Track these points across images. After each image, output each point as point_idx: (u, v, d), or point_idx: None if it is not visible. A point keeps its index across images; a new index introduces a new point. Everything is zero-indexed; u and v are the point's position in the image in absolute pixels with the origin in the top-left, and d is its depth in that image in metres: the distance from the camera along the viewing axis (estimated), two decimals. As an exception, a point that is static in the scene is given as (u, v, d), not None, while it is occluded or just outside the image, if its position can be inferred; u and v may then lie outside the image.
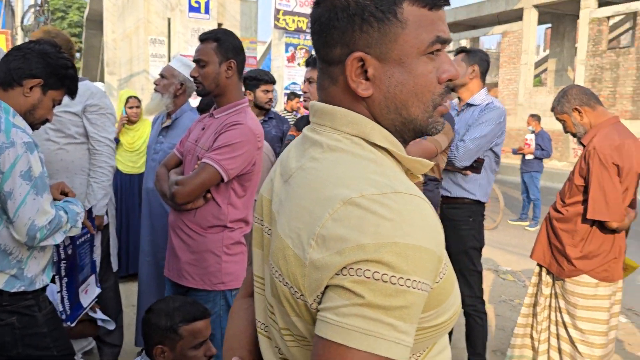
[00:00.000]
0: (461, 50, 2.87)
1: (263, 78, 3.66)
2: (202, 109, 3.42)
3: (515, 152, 8.64)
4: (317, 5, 0.82)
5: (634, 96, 15.08)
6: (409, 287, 0.68)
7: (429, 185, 2.47)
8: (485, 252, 6.49)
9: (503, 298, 4.82)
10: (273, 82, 3.75)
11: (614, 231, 2.59)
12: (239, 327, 1.00)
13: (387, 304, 0.67)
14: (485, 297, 4.84)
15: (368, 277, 0.67)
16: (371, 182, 0.73)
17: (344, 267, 0.69)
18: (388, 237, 0.68)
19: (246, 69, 4.29)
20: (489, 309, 4.53)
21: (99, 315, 2.50)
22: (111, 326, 2.54)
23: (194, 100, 4.64)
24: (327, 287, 0.71)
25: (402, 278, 0.68)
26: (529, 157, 8.35)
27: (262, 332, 0.92)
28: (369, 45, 0.79)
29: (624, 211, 2.54)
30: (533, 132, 8.40)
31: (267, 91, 3.68)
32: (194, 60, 2.22)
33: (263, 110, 3.75)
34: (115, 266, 3.01)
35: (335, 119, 0.82)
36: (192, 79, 2.28)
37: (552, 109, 2.85)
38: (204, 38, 2.19)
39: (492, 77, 35.34)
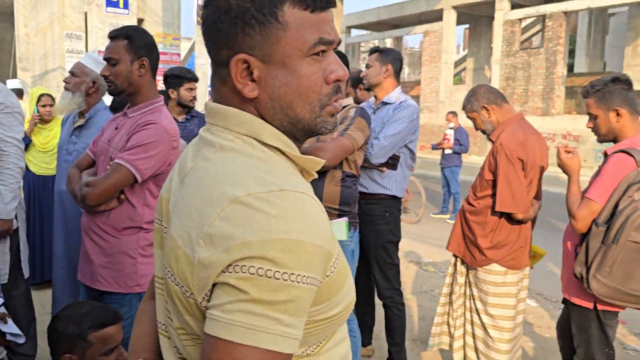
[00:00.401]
0: (374, 50, 2.95)
1: (186, 76, 3.63)
2: (115, 107, 3.32)
3: (435, 147, 8.98)
4: (204, 7, 0.83)
5: (543, 94, 16.06)
6: (293, 281, 0.70)
7: (347, 181, 2.53)
8: (408, 245, 6.75)
9: (424, 289, 5.01)
10: (196, 79, 3.72)
11: (520, 222, 2.74)
12: (142, 329, 1.00)
13: (272, 299, 0.70)
14: (408, 288, 5.03)
15: (252, 274, 0.69)
16: (259, 180, 0.75)
17: (230, 265, 0.70)
18: (273, 233, 0.70)
19: (170, 67, 4.20)
20: (412, 300, 4.70)
21: (8, 328, 2.37)
22: (21, 340, 2.41)
23: (107, 99, 4.50)
24: (214, 285, 0.73)
25: (286, 273, 0.70)
26: (448, 152, 8.71)
27: (162, 332, 0.92)
28: (252, 48, 0.80)
29: (528, 203, 2.70)
30: (452, 128, 8.77)
31: (191, 89, 3.65)
32: (105, 59, 2.16)
33: (186, 108, 3.71)
34: (26, 272, 2.86)
35: (227, 119, 0.84)
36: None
37: (463, 108, 2.99)
38: (114, 36, 2.13)
39: (415, 75, 36.40)
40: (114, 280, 2.10)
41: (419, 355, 3.56)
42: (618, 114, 2.42)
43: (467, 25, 23.57)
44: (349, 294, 0.85)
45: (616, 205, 2.25)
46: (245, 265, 0.70)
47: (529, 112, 16.14)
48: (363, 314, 3.33)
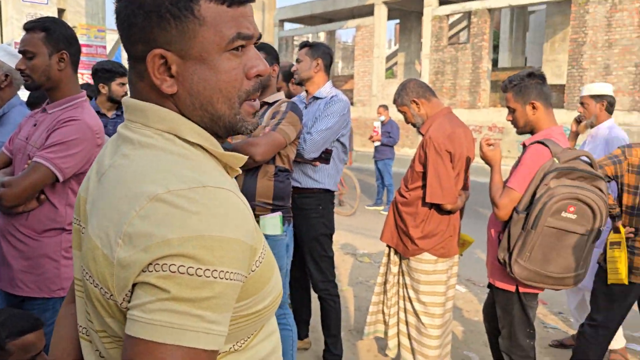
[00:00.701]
0: (304, 45, 2.96)
1: (118, 70, 3.52)
2: (31, 103, 3.16)
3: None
4: (117, 0, 0.81)
5: (470, 88, 16.68)
6: (215, 277, 0.70)
7: (280, 176, 2.53)
8: (344, 237, 6.84)
9: (360, 280, 5.09)
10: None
11: (449, 212, 2.85)
12: (63, 334, 0.96)
13: (194, 296, 0.69)
14: (344, 280, 5.10)
15: (173, 272, 0.68)
16: (179, 177, 0.73)
17: (150, 264, 0.69)
18: (194, 230, 0.69)
19: (97, 60, 4.02)
20: (348, 291, 4.77)
21: None
22: None
23: (23, 94, 4.27)
24: (135, 285, 0.71)
25: (208, 270, 0.69)
26: (376, 144, 8.89)
27: (83, 336, 0.89)
28: (169, 42, 0.78)
29: (456, 194, 2.80)
30: (381, 121, 8.95)
31: (122, 84, 3.54)
32: (20, 52, 2.04)
33: (116, 103, 3.60)
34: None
35: (146, 115, 0.82)
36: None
37: (394, 102, 3.05)
38: (30, 27, 2.01)
39: (349, 69, 36.76)
40: (36, 285, 2.00)
41: (355, 345, 3.63)
42: (534, 107, 2.55)
43: (397, 21, 24.07)
44: (275, 288, 0.85)
45: (534, 193, 2.38)
46: (165, 264, 0.68)
47: (458, 105, 16.72)
48: (299, 307, 3.35)
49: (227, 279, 0.71)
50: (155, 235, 0.69)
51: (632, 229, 2.81)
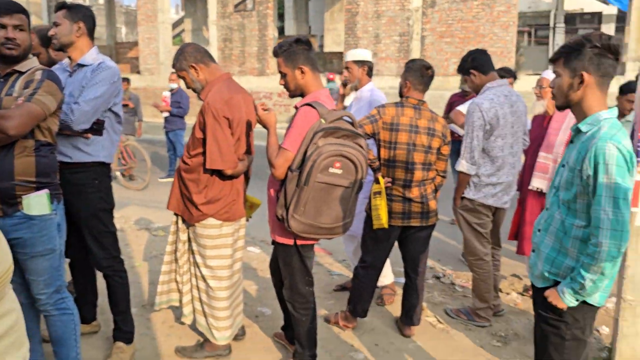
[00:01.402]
0: (62, 7, 2.69)
1: None
2: None
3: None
4: None
5: (258, 55, 17.02)
6: None
7: (42, 150, 2.30)
8: (138, 212, 6.57)
9: (154, 254, 4.97)
10: None
11: (231, 177, 2.92)
12: None
13: None
14: (139, 255, 4.92)
15: None
16: None
17: None
18: None
19: None
20: (142, 266, 4.62)
21: None
22: None
23: None
24: None
25: None
26: (165, 114, 8.59)
27: None
28: None
29: (236, 159, 2.87)
30: (172, 90, 8.65)
31: None
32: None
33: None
34: None
35: None
36: None
37: (173, 66, 2.98)
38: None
39: (134, 35, 34.50)
40: None
41: (149, 319, 3.56)
42: (302, 72, 2.73)
43: (182, -15, 23.23)
44: None
45: (305, 152, 2.57)
46: None
47: (247, 72, 16.96)
48: (82, 289, 3.15)
49: None
50: None
51: (390, 179, 3.22)
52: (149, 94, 17.87)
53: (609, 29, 19.19)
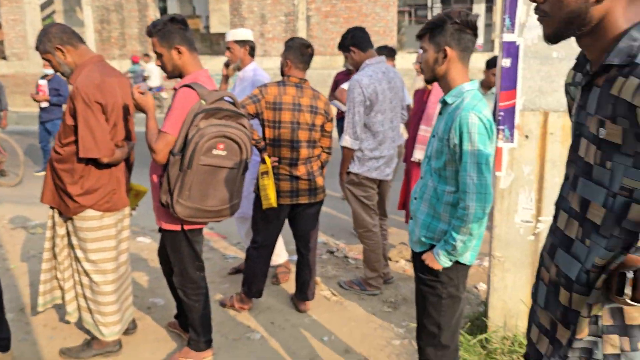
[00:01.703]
0: None
1: None
2: None
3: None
4: None
5: (140, 37, 16.19)
6: None
7: None
8: (12, 210, 6.07)
9: (33, 253, 4.62)
10: None
11: (109, 165, 2.77)
12: None
13: None
14: (15, 257, 4.55)
15: None
16: None
17: None
18: None
19: None
20: (20, 268, 4.28)
21: None
22: None
23: None
24: None
25: None
26: (44, 104, 7.89)
27: None
28: None
29: (113, 146, 2.71)
30: (46, 77, 7.93)
31: None
32: None
33: None
34: None
35: None
36: None
37: (36, 48, 2.76)
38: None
39: (-4, 17, 31.36)
40: None
41: (29, 323, 3.32)
42: (179, 52, 2.63)
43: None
44: None
45: (187, 135, 2.49)
46: None
47: (129, 55, 16.07)
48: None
49: None
50: None
51: (276, 158, 3.23)
52: (19, 81, 16.39)
53: (479, 8, 20.51)
